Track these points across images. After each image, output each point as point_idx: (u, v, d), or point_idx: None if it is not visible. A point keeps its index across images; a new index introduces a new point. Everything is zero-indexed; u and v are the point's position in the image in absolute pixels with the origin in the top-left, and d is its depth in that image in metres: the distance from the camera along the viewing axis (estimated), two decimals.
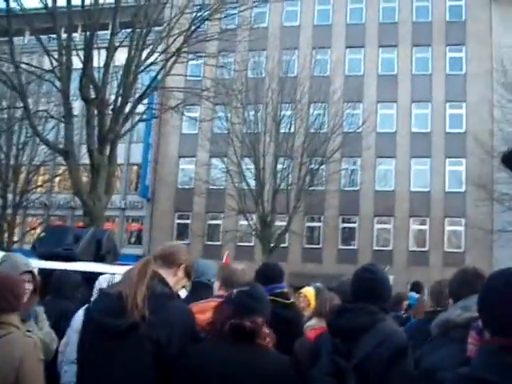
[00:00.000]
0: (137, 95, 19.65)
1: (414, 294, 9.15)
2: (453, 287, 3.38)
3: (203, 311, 3.54)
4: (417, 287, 10.10)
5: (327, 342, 3.52)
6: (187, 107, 25.48)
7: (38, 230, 35.52)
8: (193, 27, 20.02)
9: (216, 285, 4.39)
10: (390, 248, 34.41)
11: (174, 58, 19.52)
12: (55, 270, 6.93)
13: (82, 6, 19.09)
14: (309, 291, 8.23)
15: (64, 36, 18.94)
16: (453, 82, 34.82)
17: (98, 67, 18.82)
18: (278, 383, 3.00)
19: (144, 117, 22.29)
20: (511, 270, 2.14)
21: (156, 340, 2.89)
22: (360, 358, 3.28)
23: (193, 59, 24.90)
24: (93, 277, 6.94)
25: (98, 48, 18.96)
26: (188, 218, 37.34)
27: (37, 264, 7.48)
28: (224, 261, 12.45)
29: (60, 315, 5.94)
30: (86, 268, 7.69)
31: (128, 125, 19.44)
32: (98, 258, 8.96)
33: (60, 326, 5.66)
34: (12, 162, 29.87)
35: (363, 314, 3.40)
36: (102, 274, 7.30)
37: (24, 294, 3.60)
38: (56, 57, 18.36)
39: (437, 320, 3.20)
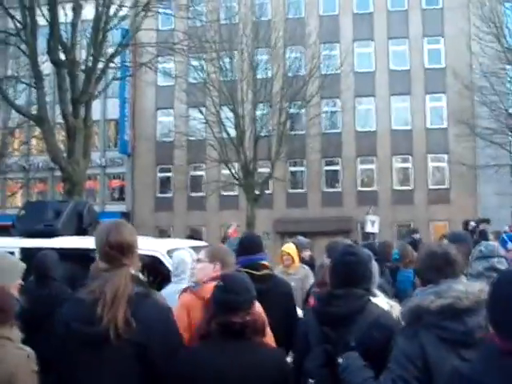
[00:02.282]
0: (108, 54, 19.04)
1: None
2: (421, 270, 3.36)
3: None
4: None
5: (315, 331, 3.41)
6: (161, 59, 24.79)
7: (19, 194, 35.22)
8: None
9: (217, 267, 4.30)
10: (374, 188, 34.56)
11: (143, 13, 18.87)
12: (39, 248, 6.71)
13: None
14: (290, 248, 8.26)
15: None
16: (429, 16, 34.39)
17: (65, 26, 18.13)
18: (273, 379, 3.01)
19: (118, 75, 21.68)
20: None
21: (137, 343, 2.85)
22: (356, 343, 3.21)
23: (162, 12, 24.03)
24: (78, 253, 6.80)
25: (64, 2, 18.15)
26: (170, 171, 37.14)
27: (19, 243, 7.36)
28: (231, 232, 12.36)
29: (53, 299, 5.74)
30: (71, 244, 7.59)
31: (101, 85, 18.88)
32: (80, 231, 8.77)
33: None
34: None
35: (353, 299, 3.37)
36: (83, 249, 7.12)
37: (13, 306, 3.48)
38: (19, 18, 17.56)
39: (407, 308, 3.10)
